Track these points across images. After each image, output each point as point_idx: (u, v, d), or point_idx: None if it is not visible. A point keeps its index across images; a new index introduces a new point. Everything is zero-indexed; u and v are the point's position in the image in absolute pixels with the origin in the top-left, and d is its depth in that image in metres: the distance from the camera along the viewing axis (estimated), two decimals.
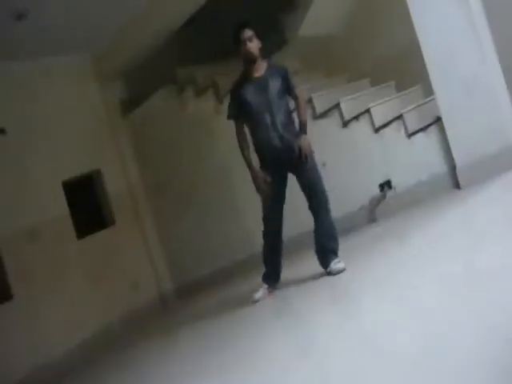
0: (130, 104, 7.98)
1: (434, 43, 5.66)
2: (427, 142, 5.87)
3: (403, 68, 7.07)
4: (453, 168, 5.64)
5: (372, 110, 6.16)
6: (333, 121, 6.42)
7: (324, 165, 6.44)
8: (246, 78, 4.96)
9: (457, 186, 5.58)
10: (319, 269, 4.88)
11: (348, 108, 6.39)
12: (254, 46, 4.86)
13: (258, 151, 5.00)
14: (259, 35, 4.91)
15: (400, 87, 7.02)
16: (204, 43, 8.35)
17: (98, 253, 7.26)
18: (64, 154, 7.19)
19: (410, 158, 5.97)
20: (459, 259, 3.77)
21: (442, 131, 5.71)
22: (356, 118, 6.28)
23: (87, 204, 7.73)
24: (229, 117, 5.07)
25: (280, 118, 4.84)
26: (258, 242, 6.03)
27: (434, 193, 5.67)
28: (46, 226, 6.86)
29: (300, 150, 4.77)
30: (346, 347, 3.22)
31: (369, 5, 7.54)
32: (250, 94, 4.88)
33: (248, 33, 4.85)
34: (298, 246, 6.13)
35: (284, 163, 4.91)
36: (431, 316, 3.07)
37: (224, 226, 7.25)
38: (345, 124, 6.34)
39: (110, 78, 7.92)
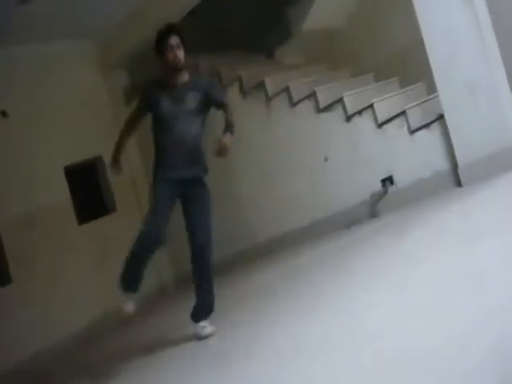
0: (134, 92, 7.98)
1: (438, 41, 5.69)
2: (430, 138, 5.90)
3: (407, 64, 7.12)
4: (454, 166, 5.68)
5: (375, 106, 6.18)
6: (336, 115, 6.44)
7: (326, 159, 6.51)
8: (164, 85, 4.64)
9: (458, 183, 5.63)
10: None
11: (351, 103, 6.41)
12: (180, 54, 4.54)
13: (157, 158, 4.70)
14: (185, 44, 4.63)
15: (404, 83, 7.05)
16: (207, 33, 8.36)
17: (98, 239, 7.28)
18: (66, 139, 7.19)
19: (412, 155, 6.00)
20: (458, 255, 3.82)
21: (445, 129, 5.74)
22: (359, 112, 6.30)
23: (89, 190, 7.74)
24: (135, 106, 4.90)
25: (190, 138, 4.56)
26: (258, 233, 6.12)
27: (436, 190, 5.71)
28: (47, 212, 6.88)
29: (221, 145, 4.39)
30: (343, 341, 3.26)
31: (374, 0, 7.56)
32: (166, 102, 4.57)
33: (176, 39, 4.55)
34: None
35: (179, 184, 4.58)
36: (430, 313, 3.11)
37: (224, 215, 7.27)
38: (348, 118, 6.36)
39: (114, 66, 7.93)
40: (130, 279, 4.77)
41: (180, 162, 4.58)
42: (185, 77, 4.61)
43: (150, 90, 4.73)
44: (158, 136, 4.67)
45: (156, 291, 7.70)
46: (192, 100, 4.55)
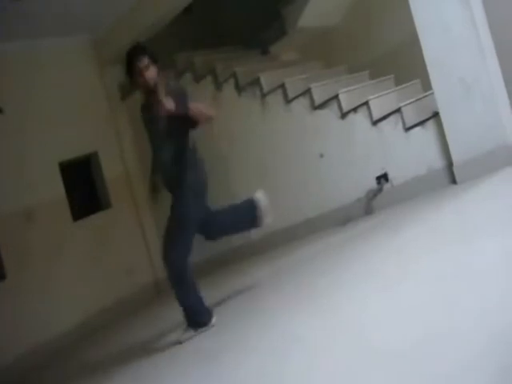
0: (130, 88, 7.98)
1: (433, 38, 5.68)
2: (425, 136, 5.91)
3: (402, 61, 7.12)
4: (450, 163, 5.70)
5: (370, 103, 6.18)
6: (331, 112, 6.44)
7: (321, 156, 6.51)
8: (149, 108, 4.69)
9: (453, 181, 5.64)
10: None
11: (346, 100, 6.41)
12: (150, 74, 4.49)
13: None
14: (154, 59, 4.59)
15: (399, 81, 7.06)
16: (203, 30, 8.36)
17: (93, 235, 7.29)
18: (62, 135, 7.19)
19: (407, 152, 6.01)
20: (453, 252, 3.84)
21: (440, 126, 5.75)
22: (354, 110, 6.30)
23: (84, 186, 7.74)
24: None
25: (165, 164, 4.73)
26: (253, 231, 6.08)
27: (431, 187, 5.72)
28: (42, 207, 6.88)
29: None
30: (334, 342, 3.27)
31: None
32: (151, 127, 4.73)
33: (143, 61, 4.48)
34: None
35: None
36: (426, 308, 3.13)
37: None
38: (343, 116, 6.37)
39: (110, 62, 7.91)
40: (198, 311, 4.72)
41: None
42: (162, 90, 4.42)
43: (142, 118, 4.83)
44: None
45: (151, 287, 7.71)
46: (161, 121, 4.55)
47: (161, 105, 4.25)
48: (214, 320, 4.66)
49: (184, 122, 4.50)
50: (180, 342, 4.58)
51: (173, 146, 4.60)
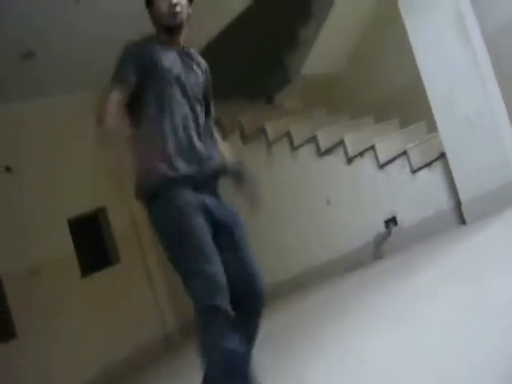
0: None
1: (437, 79, 5.70)
2: (432, 177, 5.87)
3: (407, 104, 7.12)
4: (458, 203, 5.64)
5: (376, 147, 6.18)
6: (337, 157, 6.44)
7: (328, 202, 6.48)
8: (162, 42, 3.08)
9: (462, 221, 5.58)
10: None
11: (352, 145, 6.41)
12: (183, 3, 3.05)
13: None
14: None
15: (404, 123, 7.06)
16: None
17: (102, 291, 7.23)
18: (70, 191, 7.21)
19: (415, 194, 5.96)
20: (466, 294, 3.75)
21: (447, 167, 5.72)
22: (360, 154, 6.30)
23: (92, 241, 7.73)
24: (117, 78, 2.96)
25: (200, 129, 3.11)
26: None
27: (440, 228, 5.65)
28: (51, 264, 6.85)
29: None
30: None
31: (371, 42, 7.63)
32: (171, 61, 3.04)
33: None
34: None
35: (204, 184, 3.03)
36: (439, 353, 3.04)
37: None
38: (349, 161, 6.36)
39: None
40: None
41: None
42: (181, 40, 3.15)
43: (137, 53, 3.04)
44: None
45: (160, 341, 7.62)
46: (198, 78, 3.22)
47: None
48: None
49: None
50: None
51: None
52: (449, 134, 5.66)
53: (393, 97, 7.37)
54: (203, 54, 3.20)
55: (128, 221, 7.80)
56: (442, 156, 5.81)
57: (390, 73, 7.49)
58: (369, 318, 4.32)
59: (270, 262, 6.92)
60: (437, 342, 3.23)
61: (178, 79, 3.03)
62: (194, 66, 3.17)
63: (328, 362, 3.78)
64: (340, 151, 6.43)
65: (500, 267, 3.96)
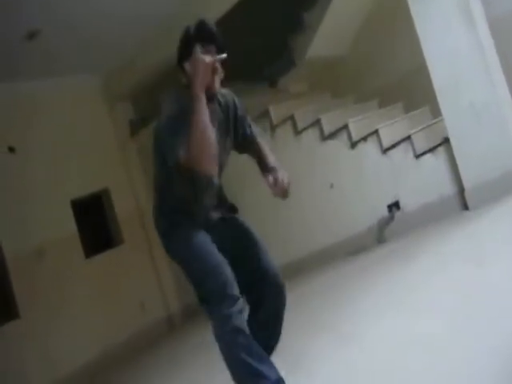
0: (140, 124, 8.03)
1: (442, 65, 5.68)
2: (435, 163, 5.87)
3: (411, 89, 7.10)
4: (461, 189, 5.64)
5: (380, 131, 6.17)
6: (341, 142, 6.44)
7: (332, 186, 6.48)
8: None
9: (465, 207, 5.58)
10: None
11: (356, 129, 6.40)
12: (220, 76, 3.09)
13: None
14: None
15: (408, 108, 7.05)
16: None
17: (105, 272, 7.27)
18: (73, 173, 7.23)
19: (418, 179, 5.96)
20: (467, 280, 3.77)
21: (450, 152, 5.71)
22: (364, 139, 6.29)
23: (96, 223, 7.75)
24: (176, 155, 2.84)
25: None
26: None
27: (443, 214, 5.66)
28: (55, 245, 6.89)
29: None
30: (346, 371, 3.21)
31: (376, 26, 7.60)
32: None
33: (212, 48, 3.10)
34: None
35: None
36: (441, 338, 3.06)
37: None
38: (353, 145, 6.35)
39: (120, 99, 7.98)
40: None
41: None
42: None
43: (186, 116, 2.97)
44: None
45: (164, 324, 7.65)
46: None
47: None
48: None
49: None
50: None
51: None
52: (453, 121, 5.64)
53: (398, 81, 7.35)
54: None
55: (132, 202, 7.83)
56: (446, 141, 5.79)
57: (395, 57, 7.46)
58: (370, 302, 4.35)
59: (272, 244, 6.96)
60: (438, 326, 3.25)
61: None
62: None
63: (325, 344, 3.81)
64: (344, 135, 6.42)
65: (502, 252, 3.98)
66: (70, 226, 7.18)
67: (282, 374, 2.96)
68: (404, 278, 4.54)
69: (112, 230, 7.78)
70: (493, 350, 2.63)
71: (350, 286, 5.07)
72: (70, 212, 7.23)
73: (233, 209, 3.38)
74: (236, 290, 2.97)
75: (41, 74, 7.03)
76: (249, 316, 3.13)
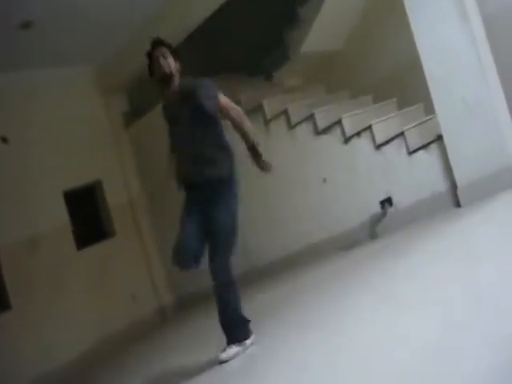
0: (133, 116, 8.02)
1: (436, 61, 5.69)
2: (428, 159, 5.89)
3: (405, 85, 7.12)
4: (453, 186, 5.66)
5: (374, 127, 6.18)
6: (334, 137, 6.45)
7: (324, 181, 6.49)
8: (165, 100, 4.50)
9: (457, 204, 5.60)
10: None
11: (350, 124, 6.41)
12: (166, 62, 4.26)
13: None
14: (175, 53, 4.38)
15: (402, 104, 7.06)
16: (205, 58, 8.39)
17: (97, 264, 7.28)
18: (66, 164, 7.22)
19: (411, 176, 5.98)
20: (457, 276, 3.78)
21: (443, 149, 5.72)
22: (358, 134, 6.30)
23: (88, 214, 7.74)
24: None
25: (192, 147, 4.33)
26: (257, 255, 6.04)
27: (435, 210, 5.68)
28: (46, 236, 6.88)
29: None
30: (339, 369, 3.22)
31: (371, 22, 7.61)
32: (169, 119, 4.44)
33: (161, 50, 4.30)
34: None
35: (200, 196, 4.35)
36: (429, 332, 3.07)
37: None
38: (346, 140, 6.36)
39: (114, 90, 7.96)
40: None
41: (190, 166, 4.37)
42: (175, 85, 4.30)
43: (163, 109, 4.51)
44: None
45: (156, 315, 7.66)
46: (184, 115, 4.27)
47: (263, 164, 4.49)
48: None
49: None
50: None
51: (204, 134, 4.28)
52: (446, 118, 5.65)
53: (392, 77, 7.36)
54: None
55: (124, 194, 7.82)
56: (439, 138, 5.81)
57: (390, 53, 7.48)
58: (362, 297, 4.36)
59: (264, 239, 7.00)
60: (430, 322, 3.26)
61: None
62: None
63: (315, 339, 3.82)
64: (337, 131, 6.43)
65: (492, 249, 4.00)
66: (63, 217, 7.17)
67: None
68: (396, 274, 4.55)
69: (104, 222, 7.77)
70: (490, 347, 2.65)
71: (343, 281, 5.09)
72: (62, 203, 7.21)
73: None
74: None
75: (34, 65, 7.01)
76: None
